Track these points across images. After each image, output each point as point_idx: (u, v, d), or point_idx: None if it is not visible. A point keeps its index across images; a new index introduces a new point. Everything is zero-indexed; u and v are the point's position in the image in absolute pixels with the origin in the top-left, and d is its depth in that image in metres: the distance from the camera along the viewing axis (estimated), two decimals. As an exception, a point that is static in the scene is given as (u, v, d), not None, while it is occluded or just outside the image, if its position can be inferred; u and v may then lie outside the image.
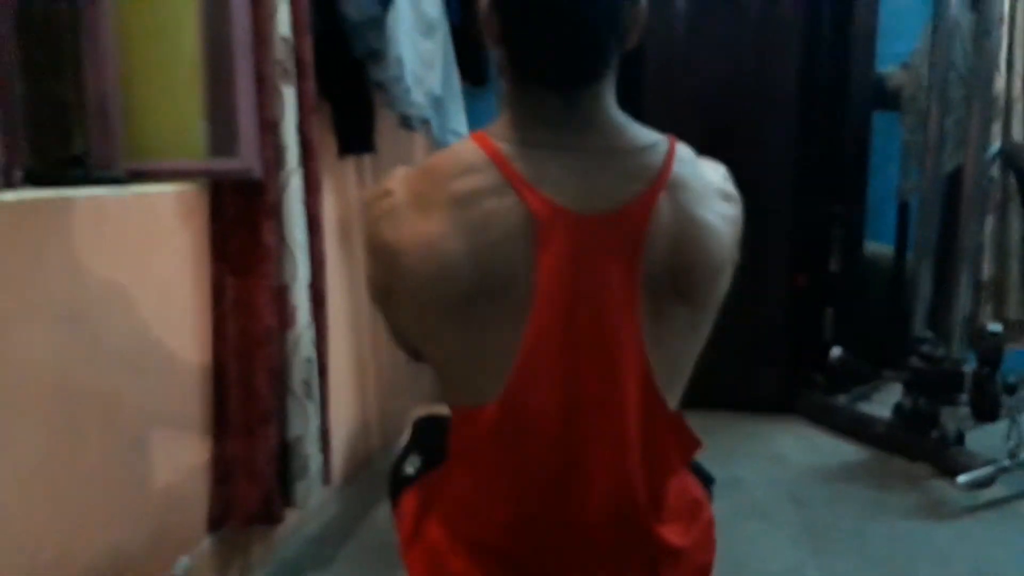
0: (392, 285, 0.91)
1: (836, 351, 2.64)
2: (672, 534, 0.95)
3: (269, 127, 1.61)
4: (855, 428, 2.73)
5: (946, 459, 2.35)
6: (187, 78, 1.59)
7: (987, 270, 3.11)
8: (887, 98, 2.89)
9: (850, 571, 1.85)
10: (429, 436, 1.12)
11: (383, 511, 2.16)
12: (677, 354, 0.95)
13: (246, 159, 1.56)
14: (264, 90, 1.59)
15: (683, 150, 0.91)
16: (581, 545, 0.93)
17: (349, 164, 2.30)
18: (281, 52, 1.64)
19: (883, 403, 2.83)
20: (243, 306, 1.64)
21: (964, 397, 2.29)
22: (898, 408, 2.54)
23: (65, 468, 1.26)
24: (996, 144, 2.80)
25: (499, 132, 0.88)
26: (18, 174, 1.31)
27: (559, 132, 0.87)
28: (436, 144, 2.33)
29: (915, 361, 2.39)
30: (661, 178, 0.87)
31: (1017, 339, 3.20)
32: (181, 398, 1.57)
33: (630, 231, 0.86)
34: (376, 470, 2.48)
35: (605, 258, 0.86)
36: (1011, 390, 2.16)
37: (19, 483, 1.18)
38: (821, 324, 3.01)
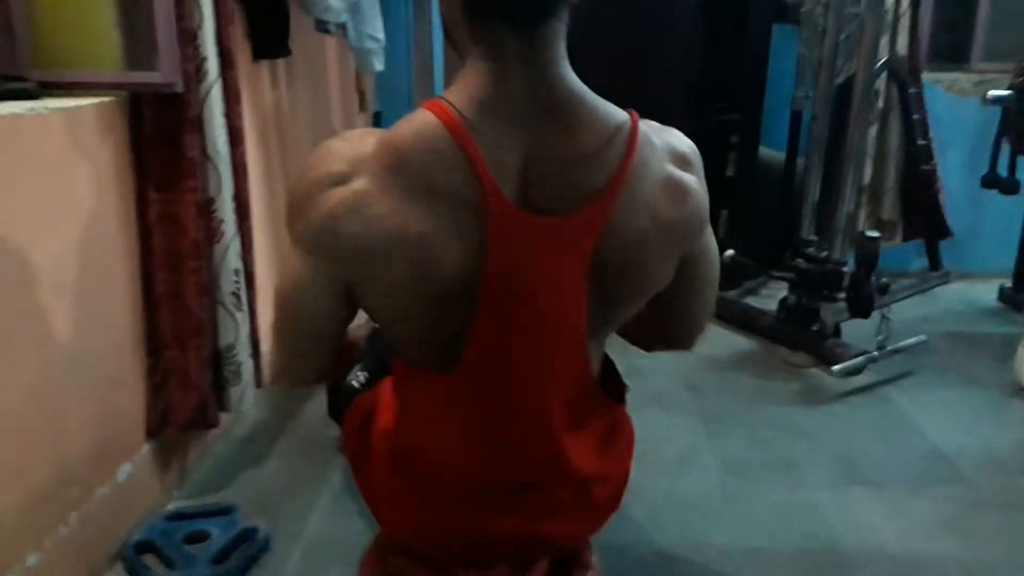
0: (349, 277, 0.88)
1: (729, 253, 2.83)
2: (597, 465, 1.06)
3: (188, 38, 1.58)
4: (744, 321, 2.97)
5: (824, 350, 2.61)
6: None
7: (867, 175, 3.36)
8: (786, 12, 3.00)
9: (739, 452, 2.08)
10: (373, 352, 1.20)
11: (310, 410, 2.27)
12: (612, 327, 1.02)
13: (167, 72, 1.54)
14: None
15: (644, 133, 0.88)
16: (519, 489, 1.03)
17: (263, 68, 2.25)
18: (196, -43, 1.59)
19: (770, 298, 3.08)
20: (168, 220, 1.65)
21: (842, 295, 2.53)
22: (783, 303, 2.78)
23: (3, 391, 1.29)
24: (883, 57, 2.99)
25: (458, 97, 0.84)
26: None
27: (521, 94, 0.84)
28: (353, 50, 2.31)
29: (800, 263, 2.61)
30: (618, 177, 0.85)
31: (890, 238, 3.51)
32: (112, 313, 1.59)
33: (582, 234, 0.86)
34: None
35: (555, 258, 0.87)
36: (883, 289, 2.41)
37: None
38: (716, 224, 3.20)
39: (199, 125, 1.65)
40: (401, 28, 2.80)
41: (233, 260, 1.78)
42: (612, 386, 1.13)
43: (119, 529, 1.61)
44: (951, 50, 3.59)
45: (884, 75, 3.10)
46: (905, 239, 3.52)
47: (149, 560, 1.58)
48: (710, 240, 1.02)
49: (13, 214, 1.29)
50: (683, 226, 0.92)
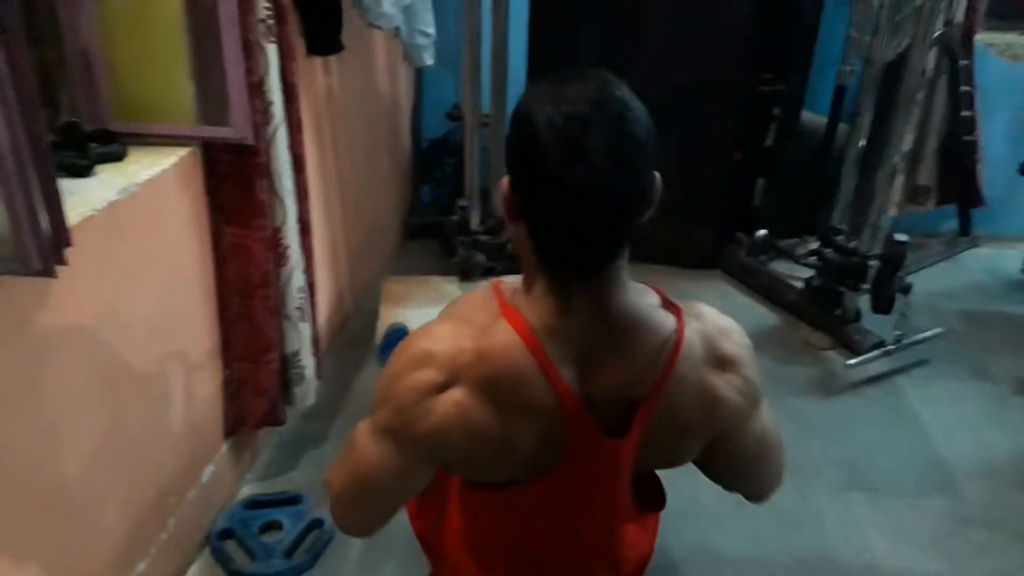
0: (447, 466, 1.00)
1: (761, 233, 2.92)
2: (636, 547, 1.22)
3: (256, 90, 1.67)
4: (770, 291, 3.10)
5: (843, 334, 2.75)
6: (171, 41, 1.63)
7: (907, 141, 3.36)
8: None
9: (751, 448, 2.27)
10: None
11: (364, 380, 2.49)
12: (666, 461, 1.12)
13: (239, 127, 1.65)
14: (250, 55, 1.63)
15: (689, 341, 0.94)
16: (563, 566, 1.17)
17: (316, 62, 2.32)
18: (263, 10, 1.65)
19: (801, 262, 3.19)
20: (241, 252, 1.80)
21: (865, 287, 2.64)
22: (808, 283, 2.89)
23: (114, 432, 1.49)
24: (938, 30, 2.93)
25: (534, 319, 0.92)
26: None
27: (581, 327, 0.92)
28: (404, 45, 2.35)
29: (829, 252, 2.71)
30: (659, 387, 0.94)
31: (923, 203, 3.55)
32: (194, 338, 1.77)
33: (630, 446, 0.97)
34: (351, 333, 2.77)
35: (617, 479, 1.02)
36: (905, 290, 2.51)
37: (91, 445, 1.41)
38: (752, 192, 3.28)
39: (267, 168, 1.76)
40: (449, 13, 2.81)
41: (298, 279, 1.93)
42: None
43: (205, 520, 1.86)
44: (1009, 7, 3.49)
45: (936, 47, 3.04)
46: (939, 204, 3.56)
47: (230, 547, 1.84)
48: (758, 425, 1.07)
49: (113, 278, 1.45)
50: (714, 428, 1.01)
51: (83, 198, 1.40)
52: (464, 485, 1.12)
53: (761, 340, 2.85)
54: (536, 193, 0.87)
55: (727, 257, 3.32)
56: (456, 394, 0.92)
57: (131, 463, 1.55)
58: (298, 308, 1.96)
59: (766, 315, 3.03)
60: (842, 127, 3.23)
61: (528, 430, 0.94)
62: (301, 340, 2.00)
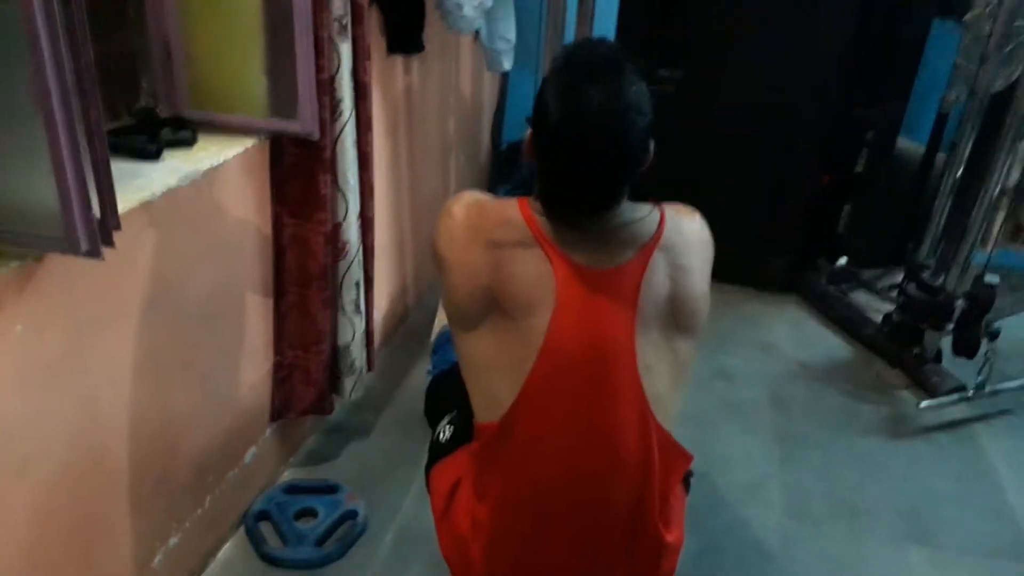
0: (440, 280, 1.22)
1: (841, 262, 2.80)
2: (671, 536, 1.25)
3: (326, 87, 1.70)
4: (847, 322, 2.97)
5: (921, 375, 2.61)
6: (248, 34, 1.67)
7: (1013, 176, 3.16)
8: (952, 5, 2.77)
9: (808, 487, 2.17)
10: (461, 408, 1.36)
11: (417, 375, 2.50)
12: (667, 380, 1.19)
13: (305, 123, 1.68)
14: (321, 52, 1.65)
15: (669, 216, 1.17)
16: (598, 543, 1.22)
17: (397, 60, 2.34)
18: (339, 8, 1.68)
19: (882, 295, 3.05)
20: (300, 243, 1.83)
21: (949, 327, 2.50)
22: (887, 319, 2.75)
23: (155, 409, 1.55)
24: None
25: (534, 204, 1.15)
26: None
27: (576, 232, 1.14)
28: (484, 50, 2.35)
29: (912, 288, 2.57)
30: (653, 241, 1.14)
31: (1025, 241, 3.33)
32: (248, 322, 1.81)
33: (629, 283, 1.13)
34: (411, 327, 2.80)
35: (609, 305, 1.13)
36: (993, 336, 2.36)
37: (137, 406, 1.47)
38: (837, 217, 3.14)
39: (332, 163, 1.79)
40: (532, 14, 2.80)
41: (356, 273, 1.96)
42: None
43: (244, 500, 1.91)
44: None
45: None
46: (1044, 245, 3.33)
47: (265, 529, 1.88)
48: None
49: (169, 260, 1.49)
50: (709, 264, 1.23)
51: (147, 181, 1.45)
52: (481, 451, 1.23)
53: (831, 373, 2.73)
54: (541, 140, 1.09)
55: (805, 283, 3.20)
56: (453, 221, 1.20)
57: (172, 439, 1.60)
58: (353, 301, 1.98)
59: (840, 347, 2.90)
60: (940, 157, 3.06)
61: (520, 261, 1.13)
62: (354, 333, 2.02)
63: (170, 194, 1.45)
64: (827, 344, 2.91)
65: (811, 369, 2.74)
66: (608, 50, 1.10)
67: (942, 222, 2.68)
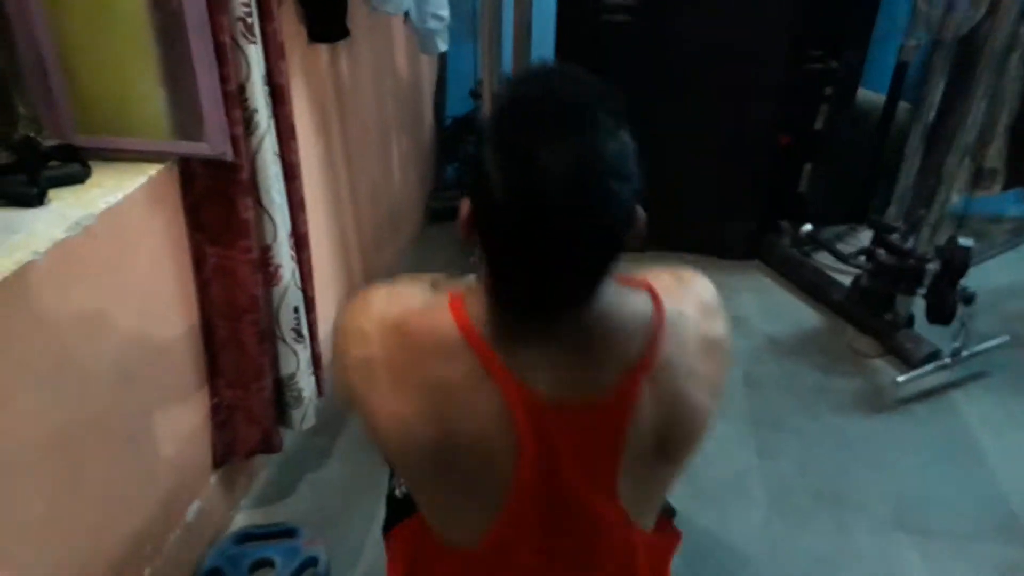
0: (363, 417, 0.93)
1: (806, 228, 2.68)
2: None
3: (234, 99, 1.48)
4: (814, 288, 2.87)
5: (894, 342, 2.52)
6: (135, 44, 1.44)
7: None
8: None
9: (790, 477, 2.08)
10: None
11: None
12: (652, 494, 1.01)
13: (214, 143, 1.47)
14: (225, 60, 1.43)
15: (669, 313, 0.87)
16: None
17: (321, 51, 2.11)
18: (241, 8, 1.45)
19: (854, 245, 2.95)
20: (226, 274, 1.63)
21: (922, 292, 2.40)
22: (856, 284, 2.65)
23: (77, 474, 1.36)
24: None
25: (476, 309, 0.84)
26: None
27: (543, 336, 0.84)
28: (415, 31, 2.13)
29: (881, 253, 2.46)
30: (645, 363, 0.84)
31: (988, 187, 3.25)
32: (175, 365, 1.62)
33: (613, 421, 0.85)
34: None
35: (586, 447, 0.87)
36: (968, 300, 2.27)
37: (50, 494, 1.28)
38: (798, 177, 3.02)
39: (252, 182, 1.58)
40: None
41: (293, 298, 1.77)
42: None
43: (192, 559, 1.74)
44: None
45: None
46: (1005, 188, 3.25)
47: (218, 588, 1.72)
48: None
49: (67, 325, 1.29)
50: (721, 375, 0.94)
51: (28, 236, 1.24)
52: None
53: (802, 345, 2.63)
54: (483, 221, 0.78)
55: (768, 248, 3.08)
56: (372, 344, 0.87)
57: (92, 520, 1.41)
58: (293, 330, 1.80)
59: (808, 315, 2.80)
60: (902, 107, 2.94)
61: (468, 406, 0.84)
62: (298, 362, 1.84)
63: (58, 248, 1.24)
64: (795, 313, 2.81)
65: (781, 343, 2.64)
66: (571, 85, 0.76)
67: (911, 179, 2.56)
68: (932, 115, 2.54)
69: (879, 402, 2.37)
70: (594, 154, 0.72)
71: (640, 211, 0.80)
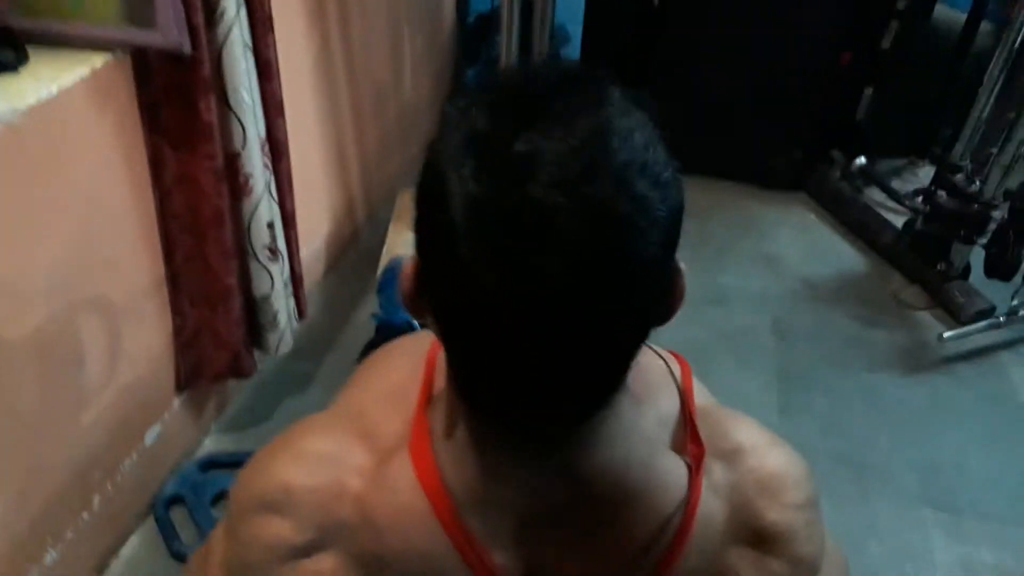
0: None
1: (860, 161, 2.41)
2: None
3: (192, -21, 1.27)
4: (862, 228, 2.61)
5: (944, 294, 2.28)
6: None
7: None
8: None
9: (812, 440, 1.89)
10: None
11: (364, 310, 2.18)
12: None
13: (167, 31, 1.26)
14: (181, -68, 1.22)
15: (704, 516, 0.60)
16: None
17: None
18: None
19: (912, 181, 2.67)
20: (188, 182, 1.45)
21: (982, 241, 2.15)
22: (909, 227, 2.39)
23: (7, 398, 1.24)
24: None
25: (455, 480, 0.58)
26: None
27: (521, 496, 0.58)
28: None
29: (941, 195, 2.19)
30: (670, 558, 0.59)
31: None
32: (127, 287, 1.46)
33: None
34: (364, 247, 2.45)
35: None
36: (1033, 256, 2.02)
37: None
38: (856, 103, 2.71)
39: (215, 81, 1.38)
40: None
41: (265, 212, 1.59)
42: None
43: (150, 487, 1.63)
44: None
45: None
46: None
47: (178, 517, 1.61)
48: None
49: (2, 222, 1.14)
50: None
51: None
52: None
53: (842, 291, 2.40)
54: (450, 304, 0.50)
55: (816, 180, 2.80)
56: (325, 563, 0.59)
57: (28, 448, 1.29)
58: (267, 247, 1.62)
59: (852, 258, 2.55)
60: (985, 27, 2.60)
61: None
62: (272, 281, 1.67)
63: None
64: (838, 255, 2.56)
65: (819, 287, 2.41)
66: (560, 66, 0.51)
67: (986, 112, 2.25)
68: (1019, 39, 2.22)
69: (920, 360, 2.15)
70: (606, 137, 0.46)
71: (682, 268, 0.54)
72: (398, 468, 0.59)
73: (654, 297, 0.50)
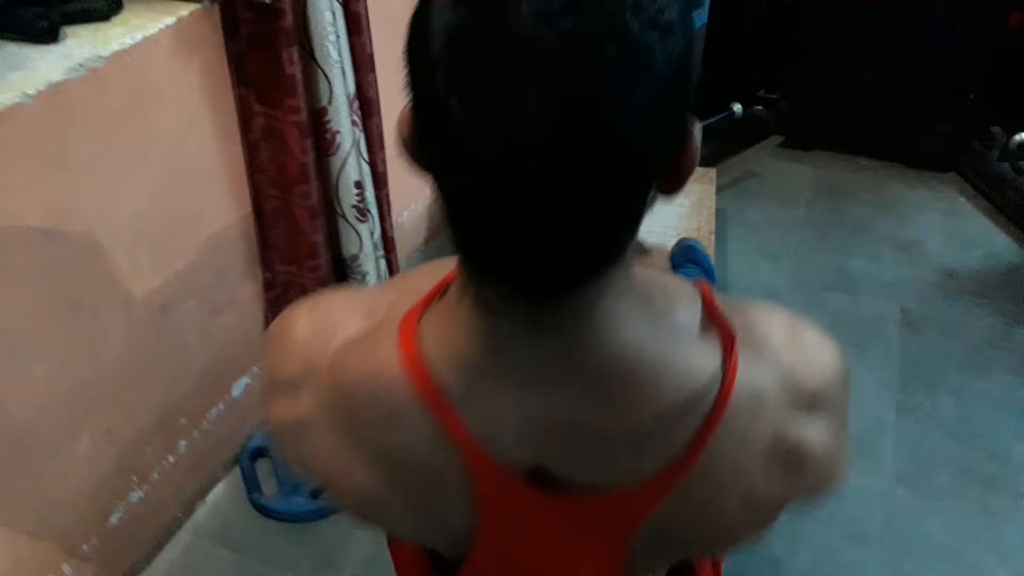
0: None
1: (1019, 138, 2.13)
2: None
3: (278, -74, 1.25)
4: (1019, 216, 2.32)
5: (1113, 293, 1.99)
6: None
7: None
8: None
9: (932, 445, 1.70)
10: None
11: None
12: None
13: (249, -22, 1.25)
14: None
15: (741, 393, 0.54)
16: None
17: None
18: None
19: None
20: (274, 137, 1.45)
21: None
22: (1079, 215, 2.10)
23: (92, 339, 1.29)
24: None
25: (438, 329, 0.56)
26: None
27: (531, 359, 0.54)
28: None
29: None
30: (692, 453, 0.54)
31: None
32: (222, 234, 1.49)
33: (623, 517, 0.59)
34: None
35: (578, 544, 0.61)
36: None
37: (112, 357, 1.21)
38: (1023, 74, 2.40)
39: (300, 34, 1.37)
40: None
41: (352, 172, 1.57)
42: None
43: (237, 437, 1.67)
44: None
45: None
46: None
47: (263, 469, 1.65)
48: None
49: (68, 177, 1.17)
50: (793, 496, 0.60)
51: (26, 75, 1.11)
52: None
53: (987, 284, 2.14)
54: (433, 147, 0.47)
55: (970, 158, 2.51)
56: (303, 403, 0.61)
57: (110, 390, 1.33)
58: (355, 207, 1.61)
59: (1006, 247, 2.27)
60: None
61: (401, 489, 0.60)
62: (361, 244, 1.66)
63: (54, 91, 1.10)
64: (988, 243, 2.29)
65: (961, 278, 2.16)
66: None
67: None
68: None
69: (1076, 367, 1.89)
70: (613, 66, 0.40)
71: (695, 125, 0.49)
72: (383, 334, 0.58)
73: (649, 156, 0.45)
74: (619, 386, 0.53)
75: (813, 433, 0.57)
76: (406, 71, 0.46)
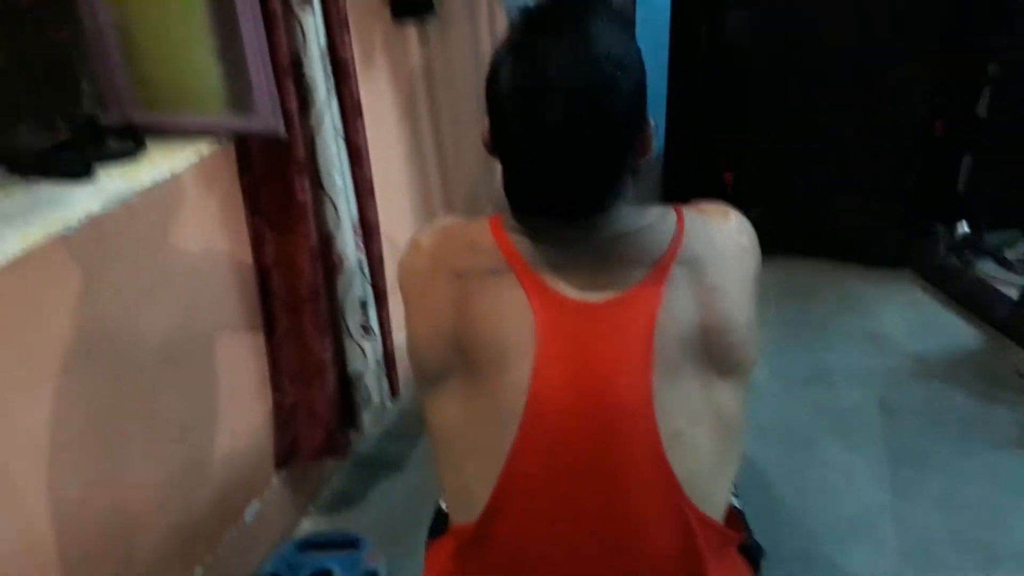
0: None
1: (962, 228, 2.31)
2: None
3: (287, 69, 1.38)
4: (974, 302, 2.47)
5: (1071, 366, 2.12)
6: (190, 11, 1.36)
7: None
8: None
9: (928, 523, 1.75)
10: None
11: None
12: (706, 449, 0.86)
13: (264, 117, 1.37)
14: (275, 27, 1.34)
15: (690, 219, 0.89)
16: None
17: (410, 27, 2.01)
18: (296, -28, 1.36)
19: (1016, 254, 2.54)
20: (285, 261, 1.54)
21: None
22: (1027, 297, 2.26)
23: (117, 461, 1.30)
24: None
25: (509, 220, 0.89)
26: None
27: (562, 231, 0.87)
28: (503, 6, 2.00)
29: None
30: (669, 254, 0.85)
31: None
32: (231, 360, 1.54)
33: (639, 316, 0.83)
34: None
35: (612, 349, 0.83)
36: None
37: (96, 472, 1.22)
38: (956, 172, 2.63)
39: (309, 165, 1.48)
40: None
41: (358, 290, 1.66)
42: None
43: (249, 563, 1.65)
44: None
45: None
46: None
47: (276, 595, 1.62)
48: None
49: (107, 299, 1.23)
50: (752, 280, 0.94)
51: (67, 209, 1.18)
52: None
53: (956, 367, 2.26)
54: (494, 123, 0.85)
55: (920, 254, 2.70)
56: (439, 282, 0.89)
57: (135, 511, 1.34)
58: (362, 326, 1.68)
59: (966, 333, 2.41)
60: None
61: (488, 294, 0.86)
62: (366, 361, 1.72)
63: (92, 222, 1.18)
64: (949, 330, 2.43)
65: (930, 364, 2.28)
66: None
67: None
68: None
69: (1051, 437, 1.98)
70: (590, 40, 0.78)
71: (650, 121, 0.86)
72: (481, 220, 0.91)
73: (627, 138, 0.83)
74: (619, 225, 0.86)
75: (748, 241, 0.95)
76: (486, 102, 0.84)
